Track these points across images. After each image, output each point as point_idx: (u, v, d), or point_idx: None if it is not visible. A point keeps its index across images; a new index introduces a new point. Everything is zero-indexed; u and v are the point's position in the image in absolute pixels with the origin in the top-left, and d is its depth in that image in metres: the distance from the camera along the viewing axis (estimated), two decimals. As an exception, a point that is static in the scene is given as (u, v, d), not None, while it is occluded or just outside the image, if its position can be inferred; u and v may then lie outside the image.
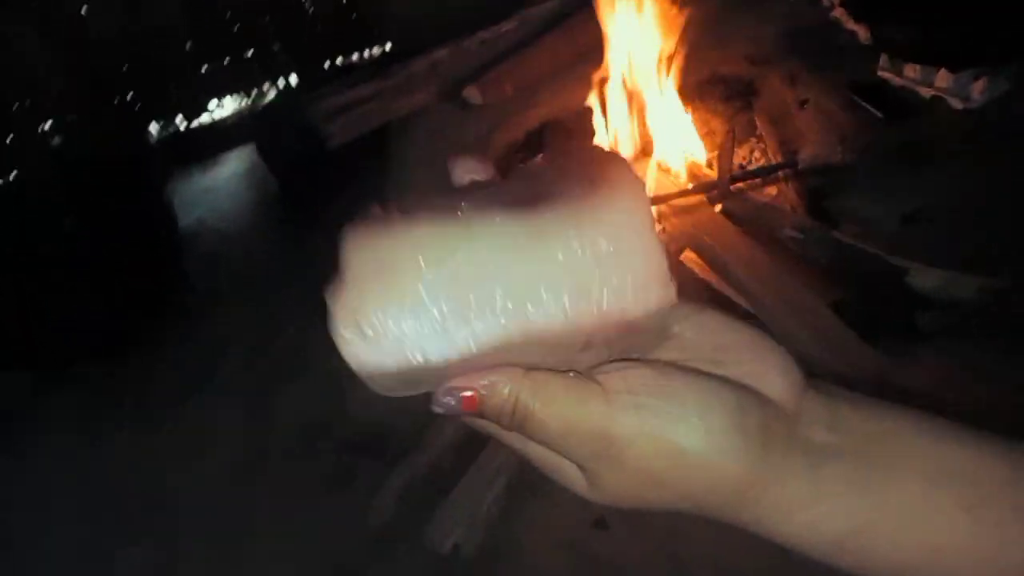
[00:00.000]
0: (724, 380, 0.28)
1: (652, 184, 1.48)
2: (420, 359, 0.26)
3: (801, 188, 1.38)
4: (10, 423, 1.84)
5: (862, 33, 1.42)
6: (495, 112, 1.76)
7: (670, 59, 1.47)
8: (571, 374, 0.28)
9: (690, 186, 1.43)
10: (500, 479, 1.22)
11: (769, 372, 0.28)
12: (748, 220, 1.37)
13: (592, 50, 1.53)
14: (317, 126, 1.87)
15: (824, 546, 0.28)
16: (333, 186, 2.11)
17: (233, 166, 2.51)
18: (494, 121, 1.73)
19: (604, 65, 1.50)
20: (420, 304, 0.26)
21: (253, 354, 1.80)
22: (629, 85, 1.50)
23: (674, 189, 1.44)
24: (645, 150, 1.54)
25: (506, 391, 0.27)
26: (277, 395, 1.66)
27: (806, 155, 1.37)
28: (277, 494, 1.44)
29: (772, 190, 1.51)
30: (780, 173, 1.41)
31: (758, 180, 1.42)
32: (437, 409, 0.28)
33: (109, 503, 1.56)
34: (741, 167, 1.60)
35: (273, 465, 1.50)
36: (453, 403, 0.28)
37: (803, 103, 1.43)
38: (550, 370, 0.27)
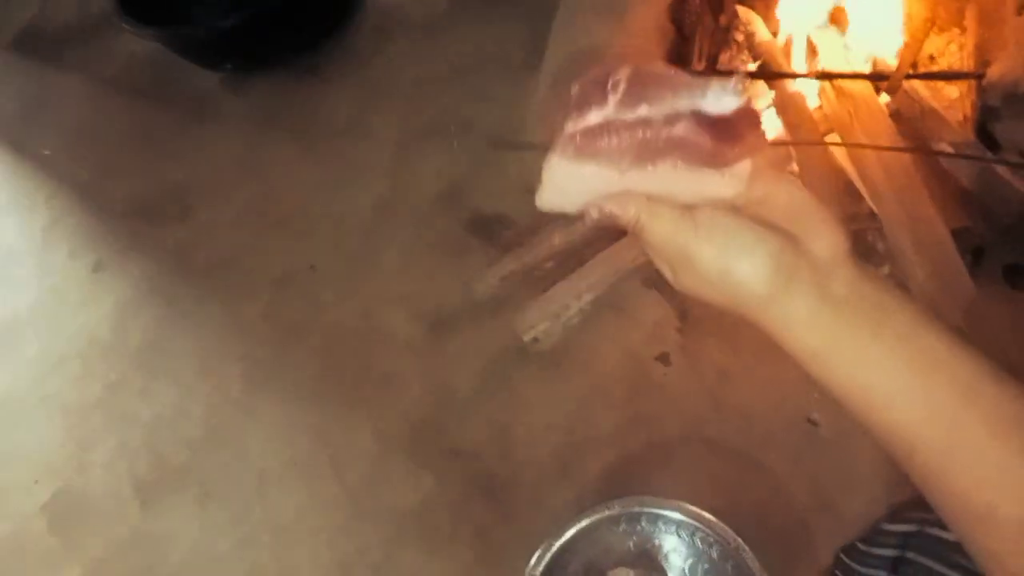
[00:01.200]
0: (776, 229, 0.41)
1: (829, 57, 1.43)
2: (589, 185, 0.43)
3: (978, 102, 1.31)
4: (206, 110, 2.12)
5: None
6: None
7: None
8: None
9: (864, 71, 1.38)
10: (589, 294, 1.38)
11: (817, 234, 0.41)
12: (910, 120, 1.34)
13: None
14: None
15: (800, 353, 0.42)
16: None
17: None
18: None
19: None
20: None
21: (411, 108, 1.95)
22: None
23: (847, 69, 1.40)
24: (836, 17, 1.47)
25: (632, 210, 0.42)
26: (424, 153, 1.82)
27: (999, 68, 1.28)
28: (401, 245, 1.66)
29: (953, 91, 1.43)
30: (961, 83, 1.33)
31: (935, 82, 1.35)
32: (592, 213, 0.43)
33: (257, 210, 1.84)
34: (931, 58, 1.51)
35: (401, 219, 1.71)
36: (597, 215, 0.43)
37: (1021, 9, 1.30)
38: (665, 202, 0.42)
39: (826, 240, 0.41)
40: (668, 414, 1.31)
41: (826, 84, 1.40)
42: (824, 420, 1.25)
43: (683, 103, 0.40)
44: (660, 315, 1.40)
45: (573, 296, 1.39)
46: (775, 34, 1.50)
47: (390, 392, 1.46)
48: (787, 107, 1.40)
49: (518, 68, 1.85)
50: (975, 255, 1.25)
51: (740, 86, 0.40)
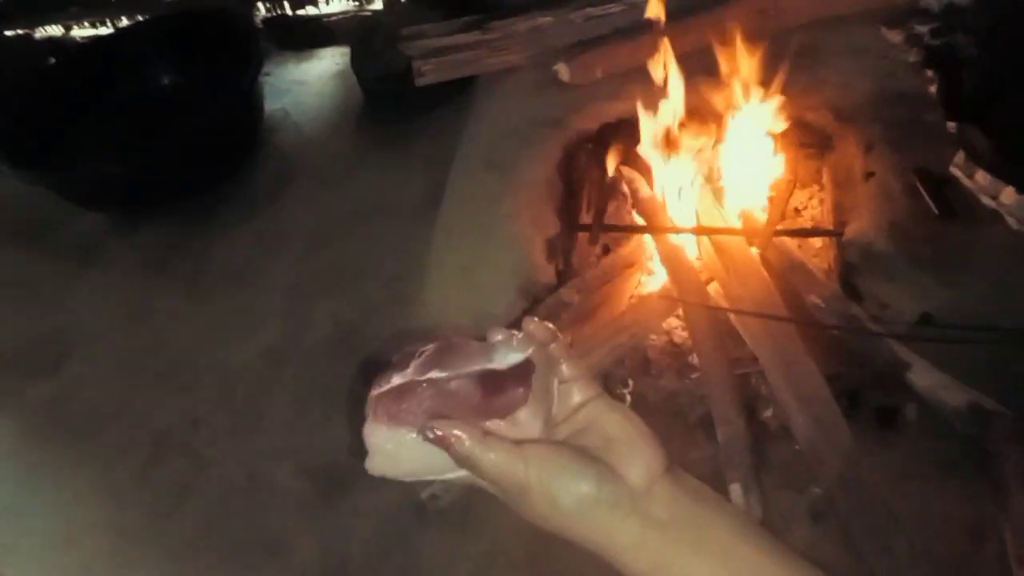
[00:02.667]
0: (595, 460, 0.44)
1: (704, 212, 1.54)
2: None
3: (840, 257, 1.43)
4: (91, 253, 2.03)
5: (949, 123, 1.43)
6: (579, 93, 1.81)
7: (760, 88, 1.50)
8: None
9: (736, 226, 1.49)
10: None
11: (631, 461, 0.44)
12: (781, 272, 1.44)
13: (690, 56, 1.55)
14: (411, 60, 1.94)
15: (636, 574, 0.44)
16: (411, 112, 2.20)
17: (326, 65, 2.59)
18: (575, 103, 1.78)
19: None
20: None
21: (307, 253, 1.94)
22: (710, 106, 1.54)
23: (722, 223, 1.50)
24: (710, 176, 1.59)
25: (467, 443, 0.43)
26: (320, 299, 1.80)
27: (855, 227, 1.41)
28: (293, 395, 1.60)
29: (817, 243, 1.56)
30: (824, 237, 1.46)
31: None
32: (426, 435, 0.44)
33: (140, 361, 1.75)
34: (796, 211, 1.64)
35: (292, 368, 1.65)
36: (433, 437, 0.44)
37: (869, 175, 1.45)
38: (499, 437, 0.44)
39: (639, 466, 0.44)
40: (573, 574, 1.27)
41: (704, 238, 1.49)
42: None
43: (475, 366, 0.46)
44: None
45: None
46: (659, 189, 1.60)
47: (280, 558, 1.36)
48: (670, 259, 1.48)
49: (414, 216, 1.89)
50: (850, 398, 1.32)
51: (523, 343, 0.46)
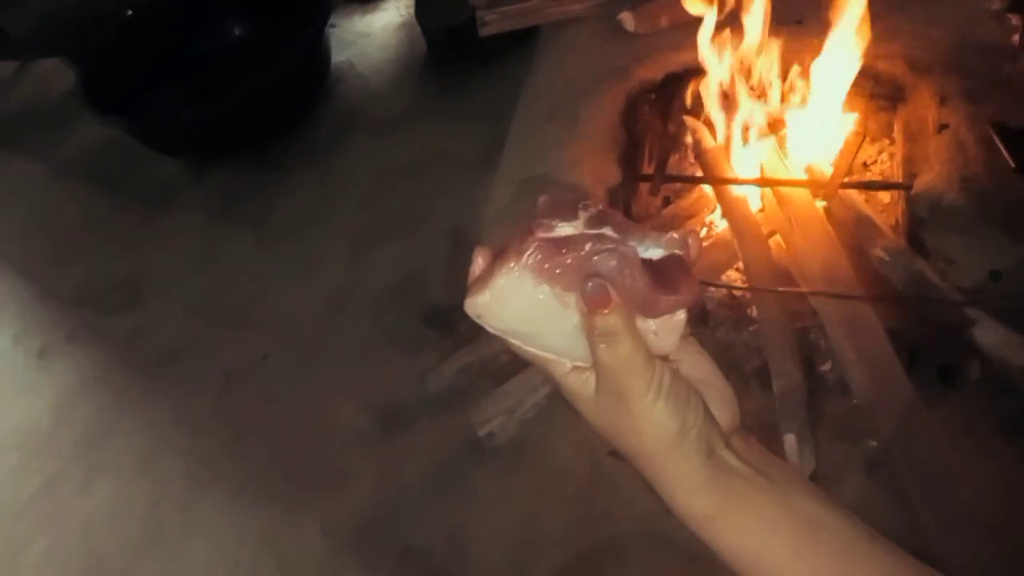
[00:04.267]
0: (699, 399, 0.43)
1: (770, 164, 1.51)
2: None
3: (908, 211, 1.40)
4: (163, 198, 2.13)
5: (1031, 72, 1.37)
6: (643, 43, 1.79)
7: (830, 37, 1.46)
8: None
9: (801, 177, 1.46)
10: (544, 388, 1.39)
11: (723, 410, 0.44)
12: (846, 225, 1.41)
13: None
14: (475, 10, 1.95)
15: (692, 517, 0.43)
16: (475, 62, 2.21)
17: (390, 16, 2.61)
18: (639, 53, 1.76)
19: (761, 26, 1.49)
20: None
21: (370, 201, 1.99)
22: (775, 54, 1.50)
23: (785, 176, 1.48)
24: (774, 126, 1.56)
25: (622, 319, 0.40)
26: (382, 246, 1.85)
27: (924, 180, 1.37)
28: (356, 337, 1.66)
29: (885, 196, 1.52)
30: (892, 191, 1.43)
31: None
32: (588, 287, 0.39)
33: (211, 300, 1.83)
34: (864, 165, 1.61)
35: (355, 312, 1.71)
36: (594, 292, 0.39)
37: (943, 127, 1.41)
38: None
39: (727, 414, 0.44)
40: (621, 511, 1.31)
41: (767, 190, 1.47)
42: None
43: (631, 244, 0.41)
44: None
45: (528, 390, 1.39)
46: (722, 140, 1.58)
47: (340, 489, 1.43)
48: (732, 210, 1.47)
49: (474, 166, 1.91)
50: (911, 354, 1.30)
51: (672, 244, 0.42)
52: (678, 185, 1.64)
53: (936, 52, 1.52)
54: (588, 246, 0.39)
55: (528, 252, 0.40)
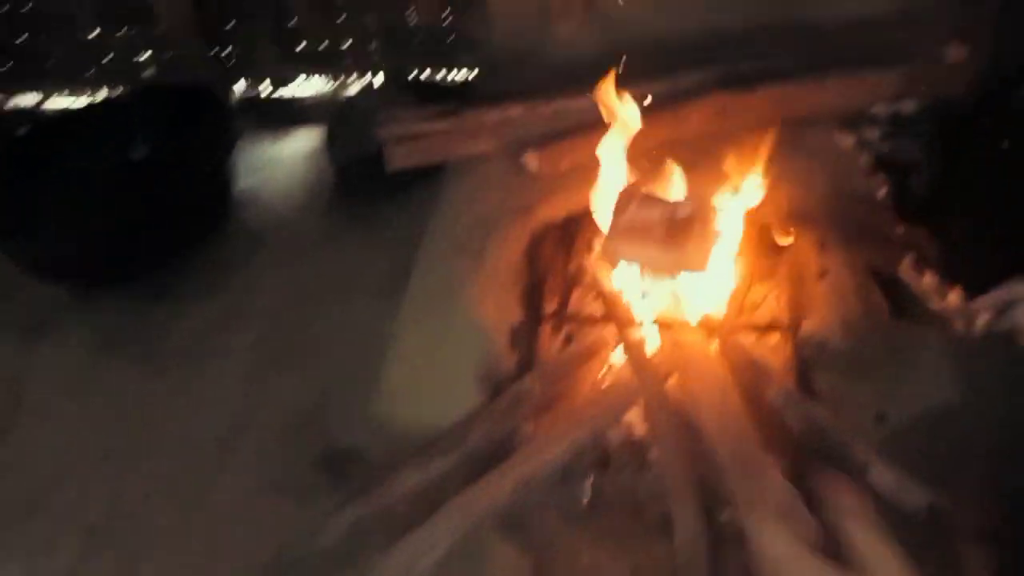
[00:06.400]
0: None
1: (665, 308, 1.55)
2: None
3: (796, 353, 1.45)
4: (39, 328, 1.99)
5: (898, 226, 1.48)
6: (547, 182, 1.84)
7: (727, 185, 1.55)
8: None
9: (695, 322, 1.51)
10: (444, 543, 1.31)
11: None
12: (739, 368, 1.45)
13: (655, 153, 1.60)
14: (383, 144, 1.97)
15: None
16: (381, 194, 2.23)
17: (300, 144, 2.63)
18: (541, 193, 1.82)
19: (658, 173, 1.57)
20: None
21: (268, 331, 1.92)
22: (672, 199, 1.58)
23: (679, 319, 1.52)
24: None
25: None
26: (280, 377, 1.77)
27: (810, 323, 1.44)
28: (245, 483, 1.55)
29: (775, 336, 1.58)
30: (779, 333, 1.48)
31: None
32: None
33: (87, 437, 1.69)
34: (753, 307, 1.67)
35: (244, 455, 1.61)
36: None
37: (823, 273, 1.49)
38: None
39: None
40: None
41: (664, 332, 1.51)
42: None
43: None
44: (514, 564, 1.35)
45: (427, 546, 1.31)
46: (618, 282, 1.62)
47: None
48: (631, 350, 1.48)
49: (379, 296, 1.88)
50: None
51: None
52: (580, 323, 1.66)
53: (814, 202, 1.63)
54: None
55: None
